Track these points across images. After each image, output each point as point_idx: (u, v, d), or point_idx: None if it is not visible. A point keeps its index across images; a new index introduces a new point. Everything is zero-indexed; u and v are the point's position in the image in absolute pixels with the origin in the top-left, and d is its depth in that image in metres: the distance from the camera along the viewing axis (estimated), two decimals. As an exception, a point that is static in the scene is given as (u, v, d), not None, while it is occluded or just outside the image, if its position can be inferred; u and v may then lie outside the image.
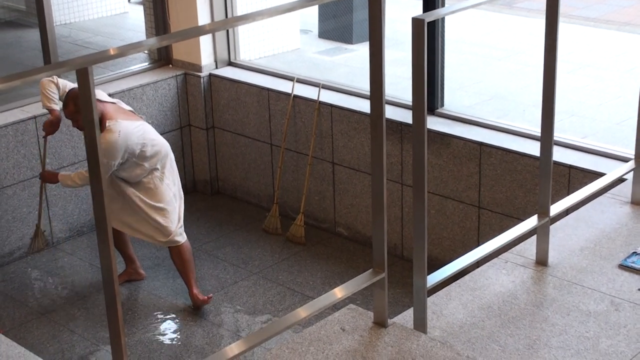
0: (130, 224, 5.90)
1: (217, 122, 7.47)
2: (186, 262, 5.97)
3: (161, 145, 5.82)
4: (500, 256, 3.82)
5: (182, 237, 5.93)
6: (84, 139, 2.48)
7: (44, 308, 6.14)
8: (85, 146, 2.49)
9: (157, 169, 5.80)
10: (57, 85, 5.76)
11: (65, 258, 6.76)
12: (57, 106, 5.80)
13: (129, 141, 5.59)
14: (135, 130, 5.64)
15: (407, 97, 6.29)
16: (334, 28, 8.63)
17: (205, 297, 5.99)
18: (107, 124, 5.55)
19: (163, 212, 5.84)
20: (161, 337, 5.81)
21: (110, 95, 6.94)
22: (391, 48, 7.98)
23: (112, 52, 2.62)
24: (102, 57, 2.61)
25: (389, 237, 6.34)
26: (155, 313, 6.05)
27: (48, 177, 6.00)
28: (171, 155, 5.91)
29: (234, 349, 2.94)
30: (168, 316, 6.01)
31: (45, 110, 6.54)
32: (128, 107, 5.85)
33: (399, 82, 6.71)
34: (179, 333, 5.85)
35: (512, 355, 3.20)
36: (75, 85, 5.65)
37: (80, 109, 2.48)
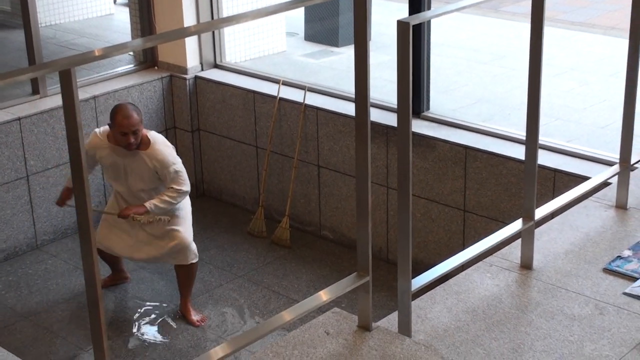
0: (158, 245, 5.81)
1: (203, 124, 7.46)
2: (192, 279, 5.95)
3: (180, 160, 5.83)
4: (485, 260, 3.82)
5: (196, 255, 5.91)
6: (67, 142, 2.45)
7: (28, 310, 6.11)
8: (68, 150, 2.47)
9: None
10: None
11: (50, 260, 6.72)
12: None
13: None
14: None
15: (392, 100, 6.29)
16: (320, 31, 8.62)
17: (197, 321, 5.91)
18: (148, 136, 5.59)
19: (189, 226, 5.87)
20: (145, 340, 5.79)
21: (95, 97, 6.93)
22: (377, 51, 7.98)
23: (96, 54, 2.60)
24: (86, 58, 2.58)
25: (374, 241, 6.34)
26: (139, 316, 6.02)
27: (133, 210, 5.55)
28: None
29: (218, 352, 2.93)
30: (152, 319, 5.99)
31: (32, 110, 6.54)
32: None
33: (385, 85, 6.71)
34: (163, 336, 5.82)
35: (497, 359, 3.20)
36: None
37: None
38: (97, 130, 5.75)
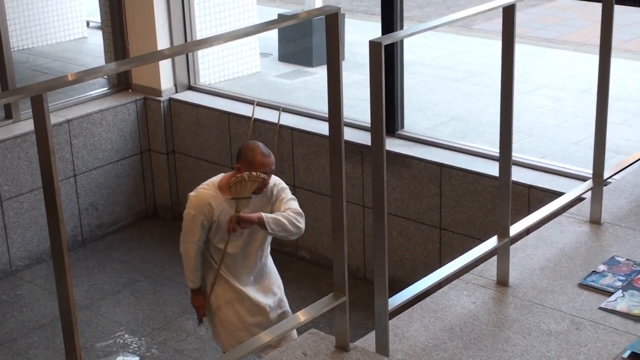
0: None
1: (178, 146, 7.44)
2: None
3: None
4: (461, 277, 3.82)
5: None
6: (40, 167, 2.44)
7: (3, 337, 6.05)
8: (41, 176, 2.45)
9: None
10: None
11: (25, 286, 6.67)
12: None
13: None
14: None
15: (367, 119, 6.31)
16: (294, 51, 8.65)
17: None
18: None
19: None
20: (123, 365, 5.75)
21: (68, 120, 6.91)
22: (351, 70, 8.01)
23: (70, 78, 2.59)
24: (59, 83, 2.58)
25: (351, 260, 6.34)
26: (115, 340, 5.98)
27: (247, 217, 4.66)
28: None
29: (195, 376, 2.91)
30: (128, 343, 5.95)
31: (5, 135, 6.48)
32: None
33: (359, 105, 6.73)
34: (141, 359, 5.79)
35: (475, 376, 3.20)
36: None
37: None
38: (203, 186, 4.82)
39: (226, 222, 4.68)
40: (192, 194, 4.82)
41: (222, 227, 4.71)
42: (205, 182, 4.84)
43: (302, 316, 3.22)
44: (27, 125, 6.78)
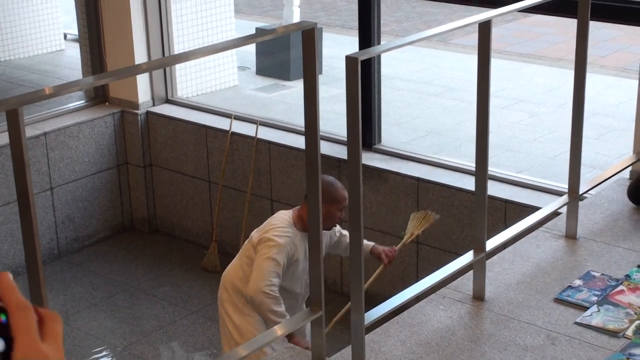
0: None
1: (155, 159, 7.42)
2: None
3: None
4: (437, 292, 3.83)
5: None
6: (15, 182, 2.43)
7: (-23, 351, 6.00)
8: (16, 189, 2.44)
9: None
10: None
11: None
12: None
13: None
14: None
15: (345, 133, 6.32)
16: (272, 65, 8.66)
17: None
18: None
19: None
20: (98, 379, 5.72)
21: (45, 133, 6.88)
22: (328, 84, 8.03)
23: (47, 92, 2.59)
24: (35, 97, 2.58)
25: (328, 274, 6.33)
26: (92, 355, 5.94)
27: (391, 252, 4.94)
28: None
29: (170, 391, 2.90)
30: (104, 357, 5.92)
31: None
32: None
33: (337, 119, 6.75)
34: (116, 374, 5.76)
35: (451, 391, 3.21)
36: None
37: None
38: (278, 232, 4.45)
39: (301, 258, 4.47)
40: (281, 231, 4.46)
41: (300, 265, 4.48)
42: (274, 226, 4.48)
43: (279, 330, 3.22)
44: (2, 138, 6.74)
